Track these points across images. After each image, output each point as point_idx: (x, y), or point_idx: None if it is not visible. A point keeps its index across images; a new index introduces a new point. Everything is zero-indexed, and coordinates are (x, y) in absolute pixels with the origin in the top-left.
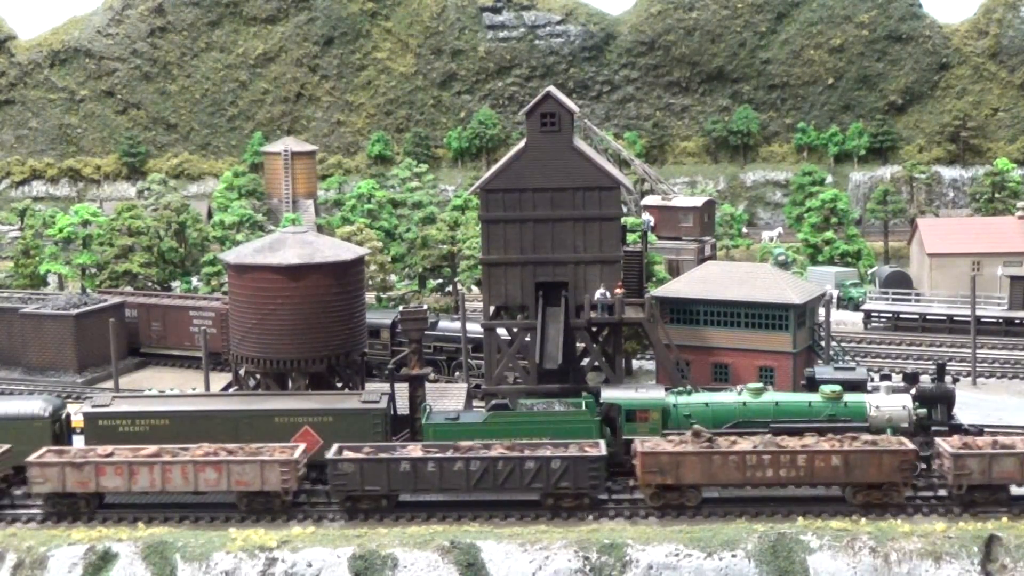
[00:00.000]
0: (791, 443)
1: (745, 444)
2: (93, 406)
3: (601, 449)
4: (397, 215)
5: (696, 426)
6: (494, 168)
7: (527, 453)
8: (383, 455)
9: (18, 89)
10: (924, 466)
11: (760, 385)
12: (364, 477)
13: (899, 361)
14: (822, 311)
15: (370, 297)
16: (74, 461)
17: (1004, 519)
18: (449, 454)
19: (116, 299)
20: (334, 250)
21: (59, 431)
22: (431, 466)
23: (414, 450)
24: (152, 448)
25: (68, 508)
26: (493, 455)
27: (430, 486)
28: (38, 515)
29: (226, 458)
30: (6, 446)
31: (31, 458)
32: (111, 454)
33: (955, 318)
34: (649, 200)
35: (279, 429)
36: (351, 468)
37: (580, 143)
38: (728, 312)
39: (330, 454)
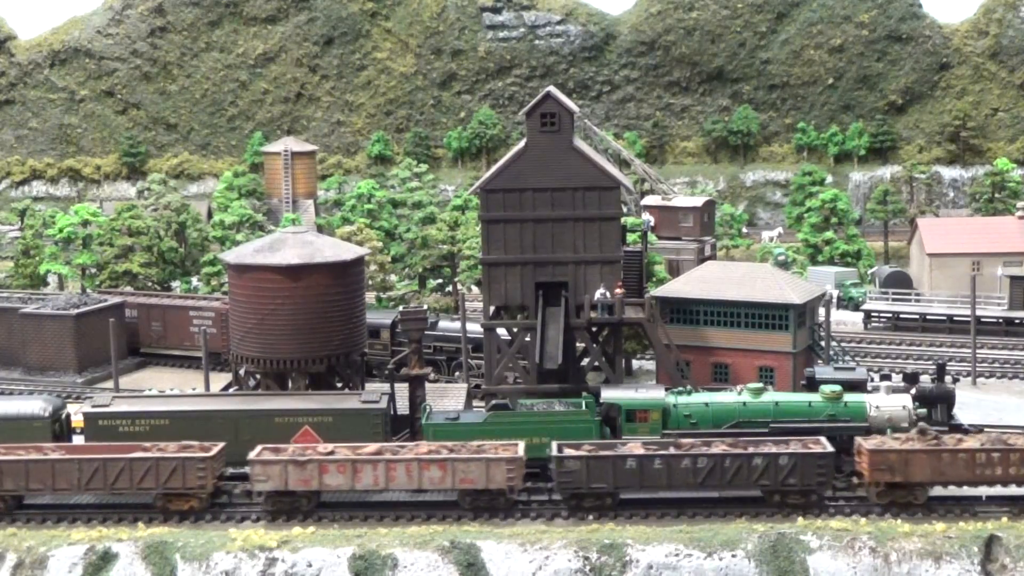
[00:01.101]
0: (1020, 441)
1: (974, 442)
2: (93, 406)
3: (827, 446)
4: (397, 215)
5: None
6: (494, 168)
7: (752, 450)
8: (608, 452)
9: (18, 89)
10: None
11: (760, 385)
12: (590, 475)
13: (899, 361)
14: (822, 311)
15: (370, 297)
16: (297, 459)
17: (1004, 519)
18: (672, 451)
19: (116, 299)
20: (334, 250)
21: (59, 431)
22: (658, 463)
23: (636, 447)
24: (373, 446)
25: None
26: (719, 452)
27: (656, 483)
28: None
29: (451, 456)
30: (221, 444)
31: (252, 455)
32: (332, 452)
33: (955, 318)
34: (649, 200)
35: (279, 429)
36: (577, 465)
37: (580, 143)
38: (728, 312)
39: (553, 451)
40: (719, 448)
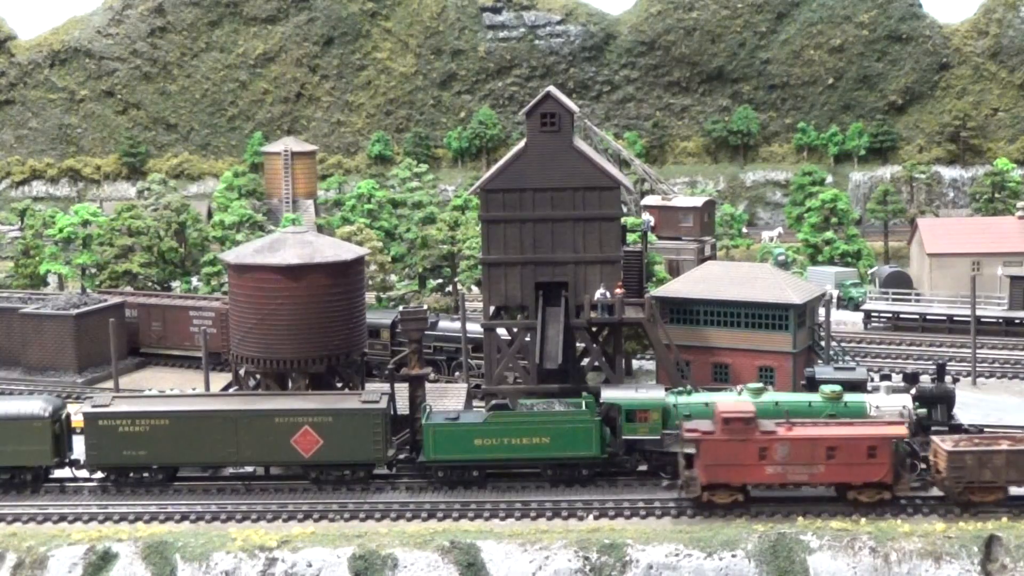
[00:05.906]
0: None
1: None
2: (93, 406)
3: None
4: (397, 215)
5: None
6: (494, 168)
7: None
8: None
9: (18, 89)
10: (923, 465)
11: (760, 385)
12: None
13: (899, 361)
14: (822, 311)
15: (370, 297)
16: None
17: (1004, 519)
18: None
19: (116, 299)
20: (334, 250)
21: (59, 431)
22: None
23: None
24: None
25: None
26: None
27: None
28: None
29: None
30: None
31: None
32: None
33: (955, 318)
34: (649, 200)
35: (279, 429)
36: None
37: (580, 143)
38: (728, 312)
39: None
40: None
